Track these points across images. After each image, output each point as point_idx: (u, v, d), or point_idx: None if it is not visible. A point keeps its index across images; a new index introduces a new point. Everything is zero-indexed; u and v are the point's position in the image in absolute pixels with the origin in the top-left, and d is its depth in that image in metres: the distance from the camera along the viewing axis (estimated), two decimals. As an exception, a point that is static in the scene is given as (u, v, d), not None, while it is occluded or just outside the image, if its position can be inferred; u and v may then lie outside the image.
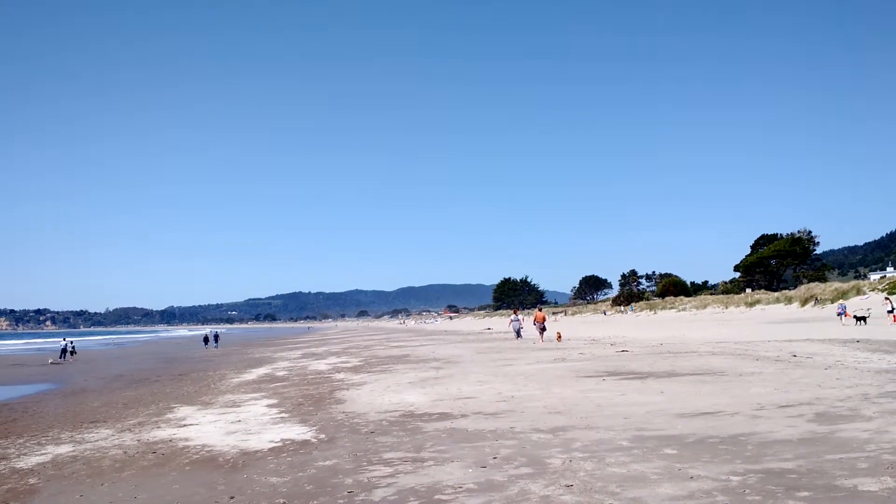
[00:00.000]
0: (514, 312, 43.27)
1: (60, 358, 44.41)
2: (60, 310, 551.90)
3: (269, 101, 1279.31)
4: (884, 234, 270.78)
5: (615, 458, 7.90)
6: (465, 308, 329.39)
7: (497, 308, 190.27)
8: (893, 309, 37.84)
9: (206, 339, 64.12)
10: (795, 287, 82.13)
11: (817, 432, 8.68)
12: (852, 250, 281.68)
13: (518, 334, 39.59)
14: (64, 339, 50.73)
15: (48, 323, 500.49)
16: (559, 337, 35.86)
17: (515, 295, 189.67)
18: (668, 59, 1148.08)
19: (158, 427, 12.83)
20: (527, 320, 49.53)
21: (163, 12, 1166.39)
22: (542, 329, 36.32)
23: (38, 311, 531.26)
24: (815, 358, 18.41)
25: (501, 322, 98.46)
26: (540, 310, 41.80)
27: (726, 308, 76.49)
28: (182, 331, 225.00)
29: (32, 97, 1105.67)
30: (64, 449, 11.14)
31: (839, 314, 41.62)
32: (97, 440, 11.76)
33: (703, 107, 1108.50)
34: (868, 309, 44.19)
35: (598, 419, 10.59)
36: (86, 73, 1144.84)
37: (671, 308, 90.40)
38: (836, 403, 10.76)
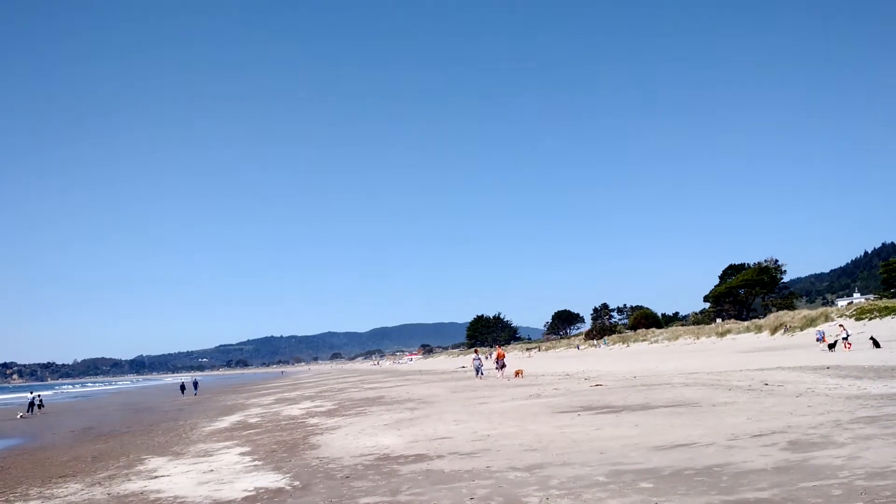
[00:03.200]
0: (475, 351, 45.83)
1: (28, 412, 43.63)
2: (27, 362, 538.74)
3: (232, 142, 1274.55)
4: (849, 261, 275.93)
5: (592, 493, 7.90)
6: (439, 347, 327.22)
7: (471, 346, 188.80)
8: (848, 335, 38.87)
9: (182, 387, 64.01)
10: (765, 316, 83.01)
11: (791, 460, 8.76)
12: (819, 277, 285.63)
13: (478, 372, 40.18)
14: (31, 393, 50.22)
15: (15, 376, 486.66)
16: (517, 373, 36.27)
17: (489, 332, 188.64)
18: (629, 88, 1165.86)
19: (129, 480, 12.57)
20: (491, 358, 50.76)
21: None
22: (502, 366, 37.10)
23: (4, 365, 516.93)
24: (787, 386, 18.62)
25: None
26: (500, 347, 42.96)
27: (698, 339, 77.03)
28: (168, 379, 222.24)
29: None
30: (31, 506, 10.87)
31: (818, 339, 42.80)
32: (66, 495, 11.49)
33: (668, 137, 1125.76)
34: (838, 335, 45.06)
35: (575, 455, 10.59)
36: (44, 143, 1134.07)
37: (643, 340, 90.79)
38: (808, 431, 10.88)
